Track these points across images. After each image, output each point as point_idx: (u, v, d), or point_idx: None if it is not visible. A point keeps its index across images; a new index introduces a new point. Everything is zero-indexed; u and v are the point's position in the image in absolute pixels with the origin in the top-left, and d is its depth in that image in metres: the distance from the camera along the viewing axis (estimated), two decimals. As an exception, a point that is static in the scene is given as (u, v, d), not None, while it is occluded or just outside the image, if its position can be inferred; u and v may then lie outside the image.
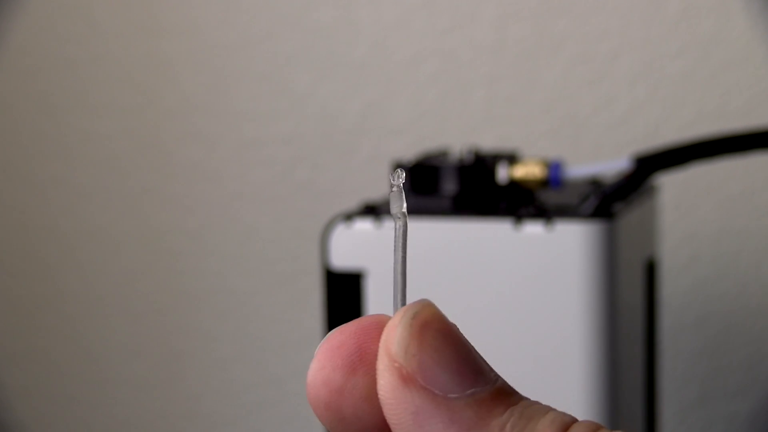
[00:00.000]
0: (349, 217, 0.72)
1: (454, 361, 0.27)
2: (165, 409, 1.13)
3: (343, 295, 0.72)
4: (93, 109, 1.11)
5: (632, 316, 0.76)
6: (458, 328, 0.28)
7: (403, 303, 0.29)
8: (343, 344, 0.28)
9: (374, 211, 0.72)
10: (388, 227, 0.71)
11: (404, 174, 0.29)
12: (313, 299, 1.06)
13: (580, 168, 0.76)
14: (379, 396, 0.27)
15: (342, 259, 0.72)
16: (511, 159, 0.76)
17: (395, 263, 0.29)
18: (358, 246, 0.72)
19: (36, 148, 1.13)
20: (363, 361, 0.28)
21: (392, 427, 0.27)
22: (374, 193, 0.92)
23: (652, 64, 1.02)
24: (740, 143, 0.72)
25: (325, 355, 0.29)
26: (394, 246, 0.29)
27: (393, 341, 0.27)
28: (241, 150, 1.09)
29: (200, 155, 1.10)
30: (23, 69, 1.12)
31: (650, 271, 0.83)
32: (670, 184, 0.98)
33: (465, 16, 1.04)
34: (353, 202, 0.81)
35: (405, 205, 0.29)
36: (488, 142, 1.00)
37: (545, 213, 0.69)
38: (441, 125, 1.05)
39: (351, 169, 1.07)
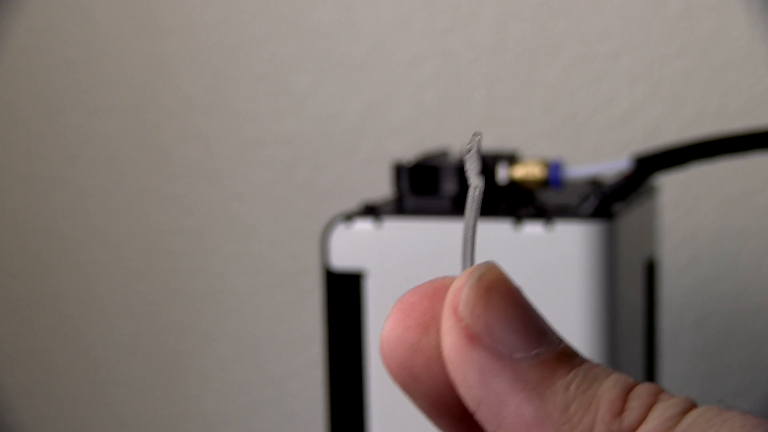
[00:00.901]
0: (349, 217, 0.72)
1: (519, 322, 0.28)
2: (165, 409, 1.13)
3: (343, 296, 0.72)
4: (93, 109, 1.11)
5: (632, 316, 0.76)
6: (522, 290, 0.29)
7: (471, 263, 0.30)
8: (416, 305, 0.29)
9: (374, 211, 0.72)
10: (388, 227, 0.71)
11: (480, 137, 0.30)
12: (313, 299, 1.06)
13: (580, 168, 0.76)
14: (445, 355, 0.28)
15: (342, 260, 0.72)
16: (511, 159, 0.76)
17: (466, 223, 0.30)
18: (358, 246, 0.72)
19: (36, 148, 1.13)
20: (435, 321, 0.29)
21: (457, 385, 0.28)
22: (374, 193, 0.92)
23: (652, 64, 1.02)
24: (740, 143, 0.72)
25: (398, 316, 0.29)
26: (467, 207, 0.30)
27: (459, 301, 0.28)
28: (241, 150, 1.09)
29: (200, 155, 1.10)
30: (23, 69, 1.12)
31: (650, 271, 0.83)
32: (670, 184, 0.98)
33: (465, 16, 1.04)
34: (353, 202, 0.81)
35: (480, 166, 0.30)
36: (488, 142, 1.00)
37: (545, 213, 0.69)
38: (441, 125, 1.05)
39: (351, 169, 1.07)
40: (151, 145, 1.11)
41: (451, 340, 0.28)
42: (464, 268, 0.30)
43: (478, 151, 0.30)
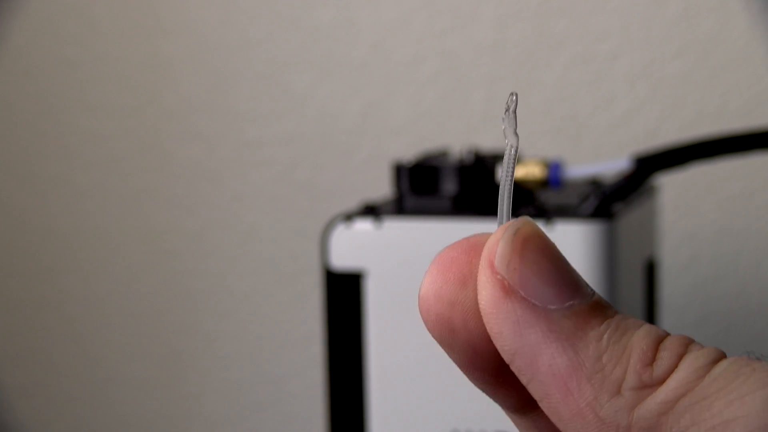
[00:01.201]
0: (349, 217, 0.72)
1: (553, 274, 0.28)
2: (165, 409, 1.13)
3: (343, 295, 0.72)
4: (93, 109, 1.11)
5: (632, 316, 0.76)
6: (556, 245, 0.29)
7: (508, 218, 0.30)
8: (455, 259, 0.30)
9: (374, 211, 0.72)
10: (388, 227, 0.71)
11: (517, 97, 0.31)
12: (313, 299, 1.06)
13: (580, 168, 0.76)
14: (480, 307, 0.29)
15: (342, 259, 0.72)
16: (511, 159, 0.75)
17: (502, 181, 0.31)
18: (358, 246, 0.72)
19: (36, 148, 1.13)
20: (473, 276, 0.29)
21: (492, 336, 0.29)
22: (374, 193, 0.92)
23: (652, 64, 1.02)
24: (740, 143, 0.72)
25: (437, 270, 0.30)
26: (504, 165, 0.31)
27: (496, 255, 0.29)
28: (241, 150, 1.09)
29: (200, 155, 1.10)
30: (23, 69, 1.12)
31: (650, 271, 0.83)
32: (670, 184, 0.98)
33: (465, 16, 1.04)
34: (353, 202, 0.81)
35: (515, 125, 0.31)
36: (488, 142, 1.00)
37: (545, 213, 0.69)
38: (441, 125, 1.05)
39: (351, 169, 1.07)
40: (151, 145, 1.11)
41: (487, 293, 0.28)
42: (500, 224, 0.30)
43: (515, 111, 0.31)
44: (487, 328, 0.29)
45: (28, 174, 1.13)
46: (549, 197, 0.76)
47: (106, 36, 1.11)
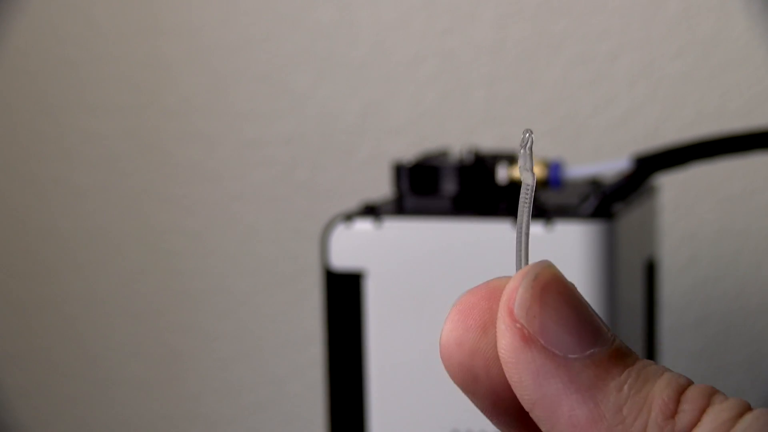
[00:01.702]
0: (349, 217, 0.72)
1: (574, 322, 0.28)
2: (165, 409, 1.13)
3: (343, 295, 0.72)
4: (93, 109, 1.11)
5: (632, 316, 0.76)
6: (577, 289, 0.29)
7: (526, 262, 0.30)
8: (475, 306, 0.29)
9: (374, 211, 0.72)
10: (388, 227, 0.71)
11: (532, 135, 0.30)
12: (313, 299, 1.06)
13: (580, 168, 0.76)
14: (500, 355, 0.28)
15: (342, 259, 0.72)
16: (511, 159, 0.76)
17: (519, 222, 0.30)
18: (358, 246, 0.72)
19: (36, 148, 1.13)
20: (493, 322, 0.29)
21: (513, 385, 0.28)
22: (374, 193, 0.92)
23: (652, 64, 1.02)
24: (740, 143, 0.72)
25: (458, 317, 0.29)
26: (520, 205, 0.30)
27: (515, 302, 0.28)
28: (241, 150, 1.09)
29: (200, 155, 1.10)
30: (23, 69, 1.12)
31: (650, 271, 0.83)
32: (670, 184, 0.98)
33: (465, 16, 1.04)
34: (353, 202, 0.81)
35: (533, 164, 0.30)
36: (488, 142, 1.00)
37: (545, 213, 0.69)
38: (441, 125, 1.05)
39: (351, 169, 1.07)
40: (151, 145, 1.11)
41: (506, 342, 0.28)
42: (518, 267, 0.30)
43: (530, 148, 0.30)
44: (507, 376, 0.28)
45: (28, 174, 1.13)
46: (549, 197, 0.76)
47: (106, 36, 1.10)
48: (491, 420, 0.30)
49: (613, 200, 0.71)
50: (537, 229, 0.69)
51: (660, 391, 0.27)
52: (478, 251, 0.69)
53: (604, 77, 1.03)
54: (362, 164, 1.07)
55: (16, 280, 1.15)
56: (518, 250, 0.30)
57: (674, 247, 1.01)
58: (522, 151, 0.30)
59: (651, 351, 0.83)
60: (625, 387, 0.27)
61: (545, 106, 1.04)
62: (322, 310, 0.73)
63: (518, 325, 0.28)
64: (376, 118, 1.06)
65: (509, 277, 0.29)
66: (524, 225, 0.30)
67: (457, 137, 1.00)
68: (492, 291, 0.29)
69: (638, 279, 0.79)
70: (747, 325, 1.02)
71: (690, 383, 0.28)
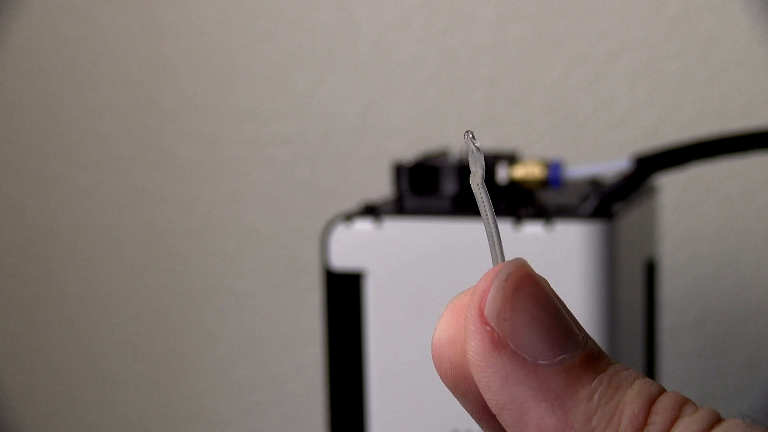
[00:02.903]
0: (349, 217, 0.72)
1: (546, 326, 0.27)
2: (165, 409, 1.13)
3: (343, 295, 0.72)
4: (93, 109, 1.11)
5: (632, 316, 0.76)
6: (550, 286, 0.28)
7: (503, 259, 0.29)
8: (466, 306, 0.29)
9: (374, 211, 0.72)
10: (388, 227, 0.71)
11: (471, 133, 0.30)
12: (313, 299, 1.06)
13: (580, 168, 0.76)
14: (469, 357, 0.28)
15: (342, 259, 0.72)
16: (511, 159, 0.76)
17: (485, 219, 0.29)
18: (358, 246, 0.72)
19: (36, 148, 1.13)
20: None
21: (480, 388, 0.28)
22: (374, 193, 0.92)
23: (652, 64, 1.02)
24: (740, 143, 0.72)
25: (451, 316, 0.29)
26: (480, 204, 0.29)
27: (486, 303, 0.28)
28: (241, 150, 1.09)
29: (200, 155, 1.10)
30: (23, 69, 1.12)
31: (650, 271, 0.83)
32: (670, 184, 0.98)
33: (465, 16, 1.04)
34: (353, 202, 0.81)
35: (483, 162, 0.30)
36: (488, 142, 1.00)
37: (545, 213, 0.69)
38: (441, 125, 1.05)
39: (351, 169, 1.07)
40: (151, 145, 1.11)
41: (475, 345, 0.27)
42: (494, 262, 0.29)
43: (478, 147, 0.30)
44: (475, 379, 0.28)
45: (28, 174, 1.13)
46: (549, 197, 0.76)
47: (106, 36, 1.10)
48: (481, 424, 0.29)
49: (613, 200, 0.71)
50: (537, 228, 0.69)
51: (630, 402, 0.27)
52: (478, 251, 0.69)
53: (604, 77, 1.03)
54: (362, 164, 1.07)
55: (16, 280, 1.15)
56: (491, 247, 0.29)
57: (674, 247, 1.01)
58: (471, 151, 0.30)
59: (651, 351, 0.83)
60: (596, 396, 0.27)
61: (545, 106, 1.04)
62: (322, 310, 0.73)
63: (488, 327, 0.27)
64: (376, 118, 1.06)
65: None
66: (491, 221, 0.29)
67: (457, 137, 1.00)
68: (488, 292, 0.29)
69: (638, 279, 0.79)
70: (747, 325, 1.02)
71: (662, 392, 0.27)
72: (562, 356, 0.27)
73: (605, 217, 0.69)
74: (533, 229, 0.69)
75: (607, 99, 1.03)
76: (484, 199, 0.29)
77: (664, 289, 0.98)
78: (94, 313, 1.14)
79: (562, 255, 0.68)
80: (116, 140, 1.11)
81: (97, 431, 1.15)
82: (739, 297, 1.02)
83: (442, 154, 0.79)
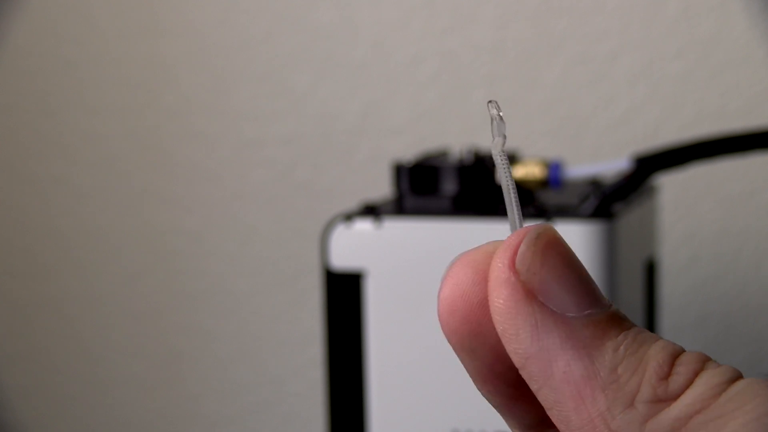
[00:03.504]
0: (349, 217, 0.72)
1: (573, 282, 0.28)
2: (165, 409, 1.13)
3: (343, 295, 0.72)
4: (93, 109, 1.11)
5: (632, 316, 0.76)
6: (576, 254, 0.29)
7: (521, 224, 0.30)
8: (480, 261, 0.29)
9: (374, 211, 0.72)
10: (388, 227, 0.71)
11: (497, 103, 0.31)
12: (313, 299, 1.06)
13: (580, 168, 0.76)
14: (495, 307, 0.28)
15: (342, 260, 0.72)
16: (511, 159, 0.76)
17: (505, 187, 0.30)
18: (358, 246, 0.72)
19: (36, 148, 1.13)
20: None
21: (505, 339, 0.28)
22: (374, 193, 0.92)
23: (652, 64, 1.02)
24: (740, 143, 0.72)
25: (462, 271, 0.29)
26: (501, 172, 0.30)
27: (516, 257, 0.28)
28: (241, 150, 1.09)
29: (200, 155, 1.10)
30: (23, 69, 1.12)
31: (650, 271, 0.83)
32: (670, 184, 0.98)
33: (465, 16, 1.04)
34: (353, 202, 0.81)
35: (504, 131, 0.31)
36: (488, 142, 1.00)
37: (545, 213, 0.69)
38: (441, 125, 1.05)
39: (351, 169, 1.07)
40: (151, 145, 1.11)
41: (506, 293, 0.28)
42: (513, 227, 0.30)
43: (500, 115, 0.31)
44: (500, 329, 0.28)
45: (28, 174, 1.13)
46: (549, 197, 0.76)
47: (105, 36, 1.11)
48: (484, 386, 0.30)
49: (613, 200, 0.71)
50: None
51: (655, 354, 0.28)
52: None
53: (604, 77, 1.03)
54: (362, 164, 1.07)
55: (16, 280, 1.15)
56: (510, 211, 0.30)
57: (674, 247, 1.01)
58: (493, 119, 0.31)
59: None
60: (621, 348, 0.28)
61: (545, 106, 1.04)
62: (322, 310, 0.73)
63: (519, 278, 0.28)
64: (376, 118, 1.06)
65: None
66: (512, 187, 0.30)
67: (457, 137, 1.00)
68: (495, 249, 0.29)
69: (638, 279, 0.79)
70: (747, 325, 1.02)
71: (684, 350, 0.28)
72: (589, 311, 0.28)
73: (605, 217, 0.69)
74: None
75: (607, 99, 1.03)
76: (505, 167, 0.30)
77: (664, 289, 0.98)
78: (94, 313, 1.14)
79: (562, 255, 0.68)
80: (116, 140, 1.11)
81: (97, 431, 1.15)
82: (739, 297, 1.02)
83: (442, 154, 0.79)
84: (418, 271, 0.70)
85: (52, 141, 1.12)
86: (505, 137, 0.31)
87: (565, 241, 0.29)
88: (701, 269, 1.02)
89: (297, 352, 1.10)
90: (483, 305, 0.29)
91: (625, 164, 0.73)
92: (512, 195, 0.30)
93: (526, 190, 0.75)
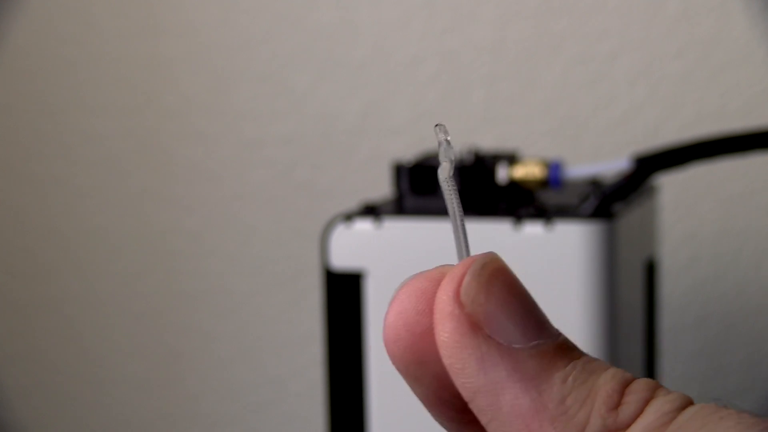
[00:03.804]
0: (349, 217, 0.72)
1: (520, 312, 0.28)
2: (165, 409, 1.13)
3: (343, 296, 0.72)
4: (93, 109, 1.11)
5: (632, 316, 0.76)
6: (522, 284, 0.29)
7: (467, 253, 0.30)
8: (426, 290, 0.29)
9: (374, 211, 0.72)
10: (388, 227, 0.71)
11: (445, 127, 0.30)
12: (313, 299, 1.06)
13: (580, 168, 0.76)
14: (440, 340, 0.28)
15: (342, 260, 0.72)
16: (511, 159, 0.75)
17: (452, 213, 0.30)
18: (358, 246, 0.72)
19: (36, 148, 1.13)
20: None
21: (454, 373, 0.28)
22: (374, 193, 0.92)
23: (652, 64, 1.02)
24: (740, 143, 0.72)
25: (407, 299, 0.29)
26: (447, 198, 0.30)
27: (461, 289, 0.28)
28: (241, 150, 1.09)
29: (200, 155, 1.10)
30: (23, 69, 1.12)
31: (650, 271, 0.83)
32: (670, 184, 0.98)
33: (465, 16, 1.04)
34: (353, 202, 0.81)
35: (453, 155, 0.30)
36: (488, 142, 1.00)
37: (545, 213, 0.69)
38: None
39: (351, 169, 1.07)
40: (151, 145, 1.11)
41: (451, 327, 0.28)
42: (460, 257, 0.30)
43: (447, 140, 0.30)
44: (447, 363, 0.28)
45: (28, 174, 1.13)
46: (549, 197, 0.76)
47: (105, 36, 1.10)
48: (434, 412, 0.30)
49: (613, 200, 0.71)
50: (537, 228, 0.69)
51: (605, 383, 0.27)
52: (477, 251, 0.69)
53: (604, 77, 1.03)
54: (362, 164, 1.07)
55: (16, 280, 1.15)
56: (457, 241, 0.30)
57: (674, 247, 1.01)
58: (439, 143, 0.30)
59: (651, 351, 0.83)
60: (570, 378, 0.27)
61: (545, 106, 1.04)
62: (322, 310, 0.73)
63: (464, 310, 0.28)
64: (376, 118, 1.06)
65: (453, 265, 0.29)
66: (458, 215, 0.30)
67: (457, 137, 1.00)
68: (442, 276, 0.29)
69: (638, 279, 0.79)
70: (747, 325, 1.02)
71: (634, 378, 0.28)
72: (536, 342, 0.27)
73: (605, 217, 0.69)
74: (533, 229, 0.69)
75: (607, 99, 1.03)
76: (452, 194, 0.30)
77: (664, 289, 0.98)
78: (94, 313, 1.14)
79: (562, 255, 0.68)
80: (116, 140, 1.11)
81: (97, 431, 1.15)
82: (739, 297, 1.02)
83: (442, 154, 0.79)
84: (418, 271, 0.70)
85: (52, 141, 1.12)
86: (452, 162, 0.30)
87: (511, 271, 0.28)
88: (701, 269, 1.02)
89: (297, 352, 1.10)
90: (427, 335, 0.28)
91: (625, 164, 0.73)
92: (459, 222, 0.30)
93: (526, 190, 0.75)
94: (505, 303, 0.28)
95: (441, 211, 0.72)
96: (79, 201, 1.12)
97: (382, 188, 0.93)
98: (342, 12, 1.06)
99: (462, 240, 0.30)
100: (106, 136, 1.11)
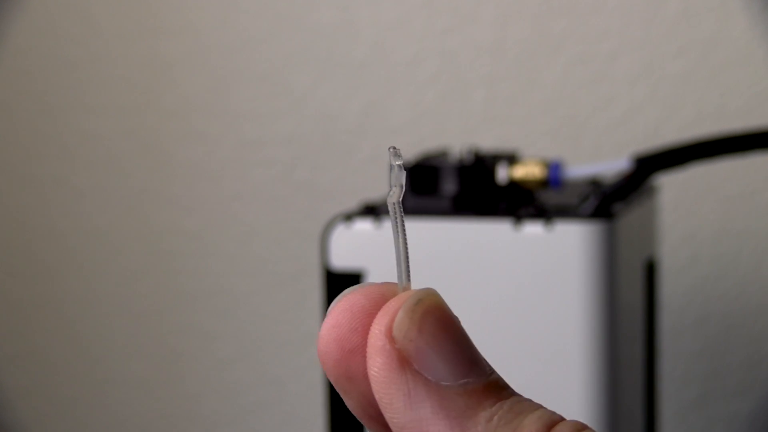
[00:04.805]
0: (349, 217, 0.72)
1: (450, 350, 0.28)
2: (165, 409, 1.13)
3: (343, 295, 0.72)
4: (93, 109, 1.11)
5: (632, 316, 0.76)
6: (459, 321, 0.28)
7: (407, 281, 0.30)
8: (363, 308, 0.29)
9: (374, 211, 0.72)
10: (388, 227, 0.71)
11: (399, 151, 0.30)
12: (313, 299, 1.06)
13: (580, 168, 0.76)
14: (371, 374, 0.28)
15: (342, 259, 0.72)
16: (511, 159, 0.75)
17: (396, 239, 0.30)
18: (358, 246, 0.72)
19: (36, 148, 1.13)
20: None
21: (382, 406, 0.28)
22: (374, 193, 0.92)
23: (652, 64, 1.02)
24: (740, 143, 0.72)
25: (342, 315, 0.29)
26: (393, 224, 0.30)
27: (394, 324, 0.28)
28: (241, 150, 1.09)
29: (200, 155, 1.10)
30: (23, 69, 1.12)
31: (650, 271, 0.83)
32: (670, 184, 0.98)
33: (465, 16, 1.04)
34: (353, 202, 0.81)
35: (403, 180, 0.30)
36: (488, 142, 1.00)
37: (545, 213, 0.69)
38: (441, 125, 1.05)
39: (351, 169, 1.07)
40: (151, 145, 1.11)
41: (381, 361, 0.28)
42: (400, 284, 0.30)
43: (399, 165, 0.30)
44: (376, 396, 0.28)
45: (28, 174, 1.13)
46: (549, 197, 0.76)
47: (105, 36, 1.11)
48: (363, 422, 0.30)
49: (613, 200, 0.71)
50: (537, 229, 0.69)
51: (530, 424, 0.27)
52: (477, 251, 0.69)
53: (604, 77, 1.03)
54: (362, 164, 1.07)
55: (16, 280, 1.15)
56: (398, 270, 0.30)
57: (674, 247, 1.01)
58: (392, 168, 0.30)
59: (651, 351, 0.83)
60: (495, 418, 0.27)
61: (545, 106, 1.04)
62: (322, 310, 0.73)
63: (394, 346, 0.28)
64: (376, 118, 1.06)
65: (393, 285, 0.29)
66: (402, 242, 0.30)
67: (457, 137, 1.00)
68: (381, 296, 0.29)
69: (638, 279, 0.79)
70: (747, 325, 1.02)
71: (562, 419, 0.27)
72: (465, 380, 0.27)
73: (605, 217, 0.69)
74: (533, 229, 0.69)
75: (607, 99, 1.03)
76: (398, 219, 0.29)
77: (664, 289, 0.98)
78: (94, 313, 1.14)
79: (562, 255, 0.68)
80: (116, 140, 1.11)
81: (97, 431, 1.15)
82: (739, 297, 1.02)
83: (442, 154, 0.79)
84: (417, 271, 0.70)
85: (52, 141, 1.12)
86: (402, 187, 0.30)
87: (447, 307, 0.28)
88: (701, 269, 1.02)
89: (297, 353, 1.10)
90: (357, 353, 0.28)
91: (625, 164, 0.73)
92: (401, 250, 0.30)
93: (526, 190, 0.75)
94: (436, 340, 0.28)
95: (441, 211, 0.72)
96: (79, 201, 1.12)
97: (382, 188, 0.93)
98: (342, 12, 1.06)
99: (404, 268, 0.30)
100: (106, 136, 1.11)
